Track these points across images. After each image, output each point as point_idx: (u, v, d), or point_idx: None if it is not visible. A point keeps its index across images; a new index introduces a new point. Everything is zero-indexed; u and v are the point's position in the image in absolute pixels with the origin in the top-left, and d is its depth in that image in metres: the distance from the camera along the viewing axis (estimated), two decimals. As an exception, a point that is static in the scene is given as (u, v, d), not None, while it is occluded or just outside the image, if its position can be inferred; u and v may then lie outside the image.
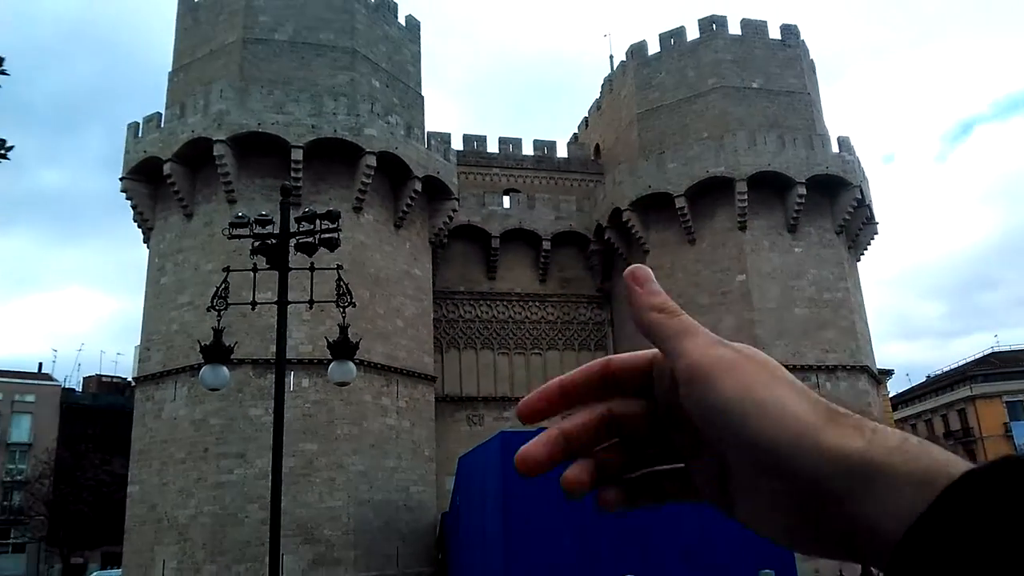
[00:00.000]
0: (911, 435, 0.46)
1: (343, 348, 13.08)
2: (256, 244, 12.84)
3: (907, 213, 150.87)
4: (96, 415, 52.24)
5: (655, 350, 0.59)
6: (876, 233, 40.70)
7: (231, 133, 31.33)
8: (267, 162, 31.75)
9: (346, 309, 13.24)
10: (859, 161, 38.86)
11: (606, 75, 47.58)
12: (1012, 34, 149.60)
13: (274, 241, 12.81)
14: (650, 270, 0.61)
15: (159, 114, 33.85)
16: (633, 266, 0.61)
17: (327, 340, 13.57)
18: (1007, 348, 61.98)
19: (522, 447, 0.61)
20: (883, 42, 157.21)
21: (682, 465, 0.60)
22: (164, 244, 33.03)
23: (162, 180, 32.65)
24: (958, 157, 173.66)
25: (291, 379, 27.39)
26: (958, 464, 0.42)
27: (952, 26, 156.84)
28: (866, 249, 40.57)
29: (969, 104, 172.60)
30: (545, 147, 46.37)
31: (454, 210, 37.01)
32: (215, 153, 31.15)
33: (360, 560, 28.58)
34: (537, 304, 41.01)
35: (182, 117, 32.48)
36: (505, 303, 40.46)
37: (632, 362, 0.62)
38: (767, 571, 24.34)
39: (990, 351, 62.96)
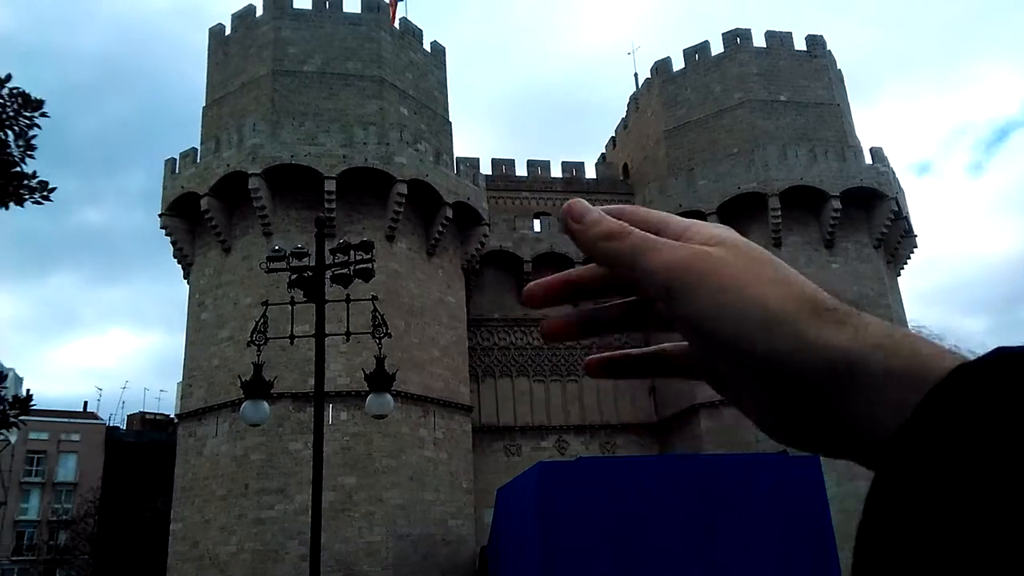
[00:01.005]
0: (899, 328, 0.44)
1: (380, 380, 13.01)
2: (293, 277, 12.89)
3: (946, 225, 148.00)
4: (140, 452, 52.77)
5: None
6: (915, 246, 39.86)
7: (265, 166, 31.80)
8: (301, 193, 32.13)
9: (382, 340, 13.19)
10: (894, 172, 38.17)
11: (631, 93, 47.56)
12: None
13: (310, 273, 12.84)
14: (584, 201, 0.57)
15: (195, 149, 34.54)
16: (566, 204, 0.57)
17: (364, 372, 13.50)
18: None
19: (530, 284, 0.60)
20: (912, 51, 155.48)
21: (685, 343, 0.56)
22: (204, 279, 33.46)
23: (200, 215, 33.18)
24: (996, 165, 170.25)
25: (330, 412, 27.35)
26: (943, 359, 0.40)
27: (983, 32, 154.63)
28: (906, 263, 39.72)
29: (1004, 110, 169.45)
30: (573, 168, 46.32)
31: (485, 235, 37.02)
32: (250, 186, 31.62)
33: (400, 595, 28.29)
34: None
35: (217, 152, 33.07)
36: (539, 329, 40.18)
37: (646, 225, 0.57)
38: None
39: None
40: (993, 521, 0.31)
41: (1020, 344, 0.36)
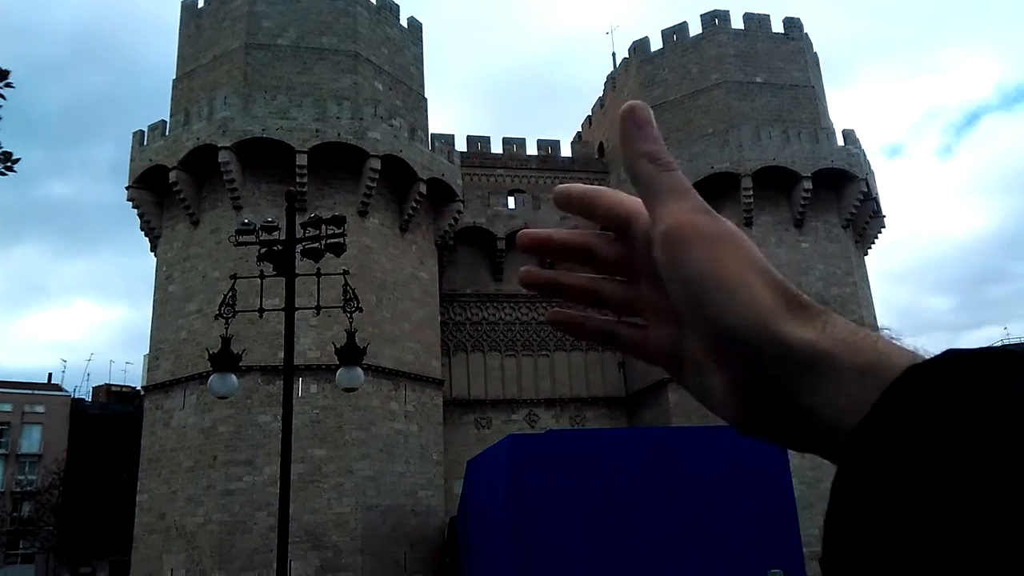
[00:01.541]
0: (863, 328, 0.46)
1: (351, 353, 13.01)
2: (262, 251, 12.80)
3: (915, 206, 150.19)
4: (105, 424, 52.26)
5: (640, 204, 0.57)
6: (883, 226, 40.45)
7: (236, 139, 31.33)
8: (272, 168, 31.75)
9: (353, 314, 13.18)
10: (865, 154, 38.64)
11: (609, 72, 47.46)
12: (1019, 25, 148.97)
13: (280, 247, 12.76)
14: (651, 110, 0.56)
15: (164, 122, 33.94)
16: (632, 103, 0.56)
17: (335, 346, 13.50)
18: (1018, 340, 61.60)
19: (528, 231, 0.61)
20: (887, 36, 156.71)
21: (641, 321, 0.58)
22: (171, 252, 33.03)
23: (168, 188, 32.67)
24: (965, 148, 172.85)
25: (299, 385, 27.31)
26: (901, 356, 0.43)
27: (958, 17, 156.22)
28: (873, 243, 40.35)
29: (975, 94, 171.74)
30: (549, 146, 46.25)
31: (459, 212, 36.92)
32: (220, 160, 31.16)
33: (368, 565, 28.50)
34: (544, 305, 40.84)
35: (187, 125, 32.51)
36: (512, 305, 40.36)
37: (617, 211, 0.58)
38: (776, 571, 24.15)
39: (1000, 343, 62.61)
40: (942, 513, 0.33)
41: (971, 348, 0.39)
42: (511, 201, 41.43)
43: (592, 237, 0.60)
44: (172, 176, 32.11)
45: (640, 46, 43.10)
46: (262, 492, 27.42)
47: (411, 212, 34.11)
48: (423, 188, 34.01)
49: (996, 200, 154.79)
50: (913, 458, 0.35)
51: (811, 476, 29.89)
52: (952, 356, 0.39)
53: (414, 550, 30.24)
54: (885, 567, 0.35)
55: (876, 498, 0.36)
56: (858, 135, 38.83)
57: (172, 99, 35.86)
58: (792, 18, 41.99)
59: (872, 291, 39.65)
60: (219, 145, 31.19)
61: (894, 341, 0.45)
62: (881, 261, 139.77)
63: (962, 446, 0.34)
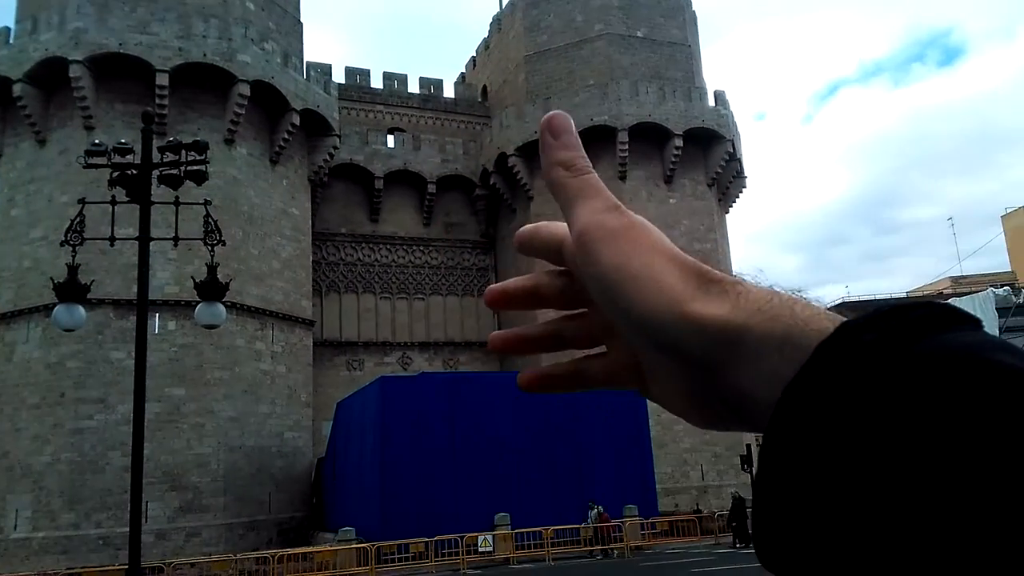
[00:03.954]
0: (779, 293, 0.44)
1: (211, 289, 12.48)
2: (115, 174, 11.95)
3: (774, 170, 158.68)
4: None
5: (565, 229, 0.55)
6: (744, 187, 42.60)
7: (89, 53, 28.88)
8: (129, 87, 29.53)
9: (215, 248, 12.61)
10: (733, 116, 40.32)
11: (495, 14, 46.83)
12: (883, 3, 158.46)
13: (135, 172, 11.95)
14: (569, 118, 0.55)
15: (8, 29, 30.73)
16: (552, 113, 0.55)
17: (194, 280, 12.90)
18: (855, 299, 67.10)
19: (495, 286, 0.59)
20: (762, 3, 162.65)
21: (603, 349, 0.57)
22: (14, 173, 30.33)
23: (11, 102, 29.92)
24: (823, 118, 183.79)
25: (156, 321, 26.06)
26: (821, 320, 0.41)
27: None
28: (735, 202, 42.47)
29: (837, 67, 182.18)
30: (432, 85, 45.42)
31: (335, 147, 35.79)
32: (71, 75, 28.72)
33: (230, 506, 28.03)
34: (421, 248, 40.66)
35: (34, 33, 29.66)
36: (388, 247, 39.88)
37: (549, 241, 0.56)
38: (630, 505, 25.52)
39: (840, 301, 67.94)
40: (877, 475, 0.32)
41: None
42: (391, 140, 40.57)
43: (537, 276, 0.58)
44: (16, 89, 29.36)
45: (527, -11, 42.69)
46: (115, 431, 26.22)
47: (283, 144, 32.74)
48: (296, 119, 32.63)
49: (845, 169, 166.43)
50: (828, 432, 0.34)
51: (666, 418, 31.72)
52: (881, 311, 0.37)
53: (280, 491, 29.95)
54: (810, 540, 0.34)
55: (796, 472, 0.35)
56: (728, 96, 40.40)
57: (18, 5, 32.65)
58: (674, -26, 42.68)
59: (731, 248, 41.92)
60: (70, 59, 28.70)
61: (813, 304, 0.43)
62: (740, 220, 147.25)
63: (874, 415, 0.33)
